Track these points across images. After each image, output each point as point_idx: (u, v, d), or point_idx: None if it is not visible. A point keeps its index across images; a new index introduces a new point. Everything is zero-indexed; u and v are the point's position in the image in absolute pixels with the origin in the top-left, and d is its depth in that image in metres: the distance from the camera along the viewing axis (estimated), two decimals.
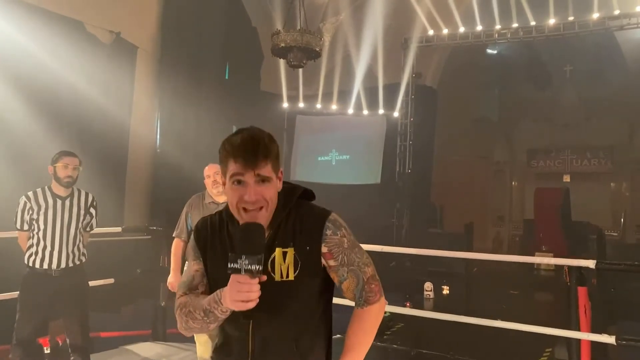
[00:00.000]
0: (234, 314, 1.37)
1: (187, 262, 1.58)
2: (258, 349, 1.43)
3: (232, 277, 1.30)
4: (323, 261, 1.47)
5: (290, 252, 1.43)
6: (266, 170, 1.39)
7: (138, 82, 8.90)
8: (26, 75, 6.76)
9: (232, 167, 1.39)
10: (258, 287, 1.30)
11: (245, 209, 1.39)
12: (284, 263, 1.42)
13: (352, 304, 1.53)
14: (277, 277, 1.42)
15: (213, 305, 1.37)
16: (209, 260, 1.49)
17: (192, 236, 1.58)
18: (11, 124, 6.49)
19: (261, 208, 1.40)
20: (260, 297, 1.31)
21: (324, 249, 1.46)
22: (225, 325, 1.46)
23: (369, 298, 1.50)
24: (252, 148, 1.38)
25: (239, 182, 1.39)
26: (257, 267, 1.28)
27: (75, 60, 7.35)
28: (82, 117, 7.56)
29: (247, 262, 1.28)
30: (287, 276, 1.42)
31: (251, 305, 1.30)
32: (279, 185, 1.47)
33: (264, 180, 1.39)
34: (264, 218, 1.41)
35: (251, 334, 1.43)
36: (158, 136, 9.67)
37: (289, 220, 1.47)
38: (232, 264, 1.29)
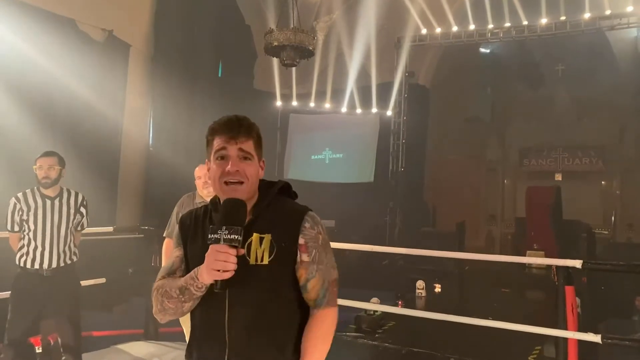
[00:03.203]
0: (211, 299, 1.42)
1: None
2: (235, 336, 1.44)
3: (211, 247, 1.36)
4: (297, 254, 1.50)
5: (267, 238, 1.46)
6: (248, 145, 1.50)
7: (130, 80, 8.88)
8: (17, 74, 6.73)
9: (216, 142, 1.49)
10: (235, 259, 1.35)
11: (226, 182, 1.46)
12: (260, 248, 1.45)
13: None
14: (252, 261, 1.45)
15: (189, 282, 1.42)
16: (190, 247, 1.54)
17: (177, 225, 1.63)
18: (1, 124, 6.45)
19: (241, 183, 1.47)
20: (234, 280, 1.37)
21: (301, 241, 1.49)
22: (201, 314, 1.49)
23: (330, 300, 1.52)
24: (236, 123, 1.51)
25: (222, 157, 1.48)
26: (236, 237, 1.34)
27: (67, 58, 7.31)
28: (74, 116, 7.54)
29: (226, 232, 1.34)
30: (262, 260, 1.45)
31: (227, 275, 1.35)
32: (260, 173, 1.54)
33: (246, 157, 1.49)
34: (244, 193, 1.47)
35: (227, 321, 1.44)
36: (151, 134, 9.65)
37: (269, 211, 1.52)
38: (212, 235, 1.36)
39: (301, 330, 1.52)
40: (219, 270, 1.34)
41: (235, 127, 1.50)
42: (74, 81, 7.38)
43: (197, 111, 9.85)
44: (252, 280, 1.44)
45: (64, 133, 7.24)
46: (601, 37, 11.28)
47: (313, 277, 1.50)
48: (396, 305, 6.81)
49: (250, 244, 1.46)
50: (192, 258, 1.52)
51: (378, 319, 5.92)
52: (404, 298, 7.35)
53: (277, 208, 1.53)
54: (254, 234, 1.47)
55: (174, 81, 9.33)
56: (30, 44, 6.79)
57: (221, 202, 1.51)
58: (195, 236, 1.54)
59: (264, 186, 1.58)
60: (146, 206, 9.12)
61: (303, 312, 1.54)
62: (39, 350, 4.53)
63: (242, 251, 1.39)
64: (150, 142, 9.61)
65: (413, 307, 7.42)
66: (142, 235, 5.25)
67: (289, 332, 1.49)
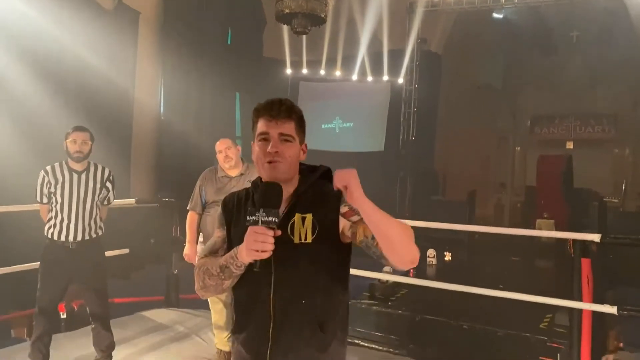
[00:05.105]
0: (257, 276, 1.47)
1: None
2: (279, 311, 1.50)
3: (250, 228, 1.42)
4: (342, 224, 1.52)
5: (309, 217, 1.52)
6: (288, 128, 1.54)
7: (141, 48, 8.80)
8: (28, 44, 6.66)
9: (259, 125, 1.55)
10: (272, 240, 1.40)
11: (268, 162, 1.51)
12: (303, 227, 1.51)
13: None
14: (296, 240, 1.51)
15: (229, 261, 1.49)
16: (233, 228, 1.61)
17: (220, 207, 1.71)
18: (17, 96, 6.46)
19: (280, 162, 1.52)
20: (280, 258, 1.45)
21: (343, 209, 1.52)
22: (247, 291, 1.55)
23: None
24: (277, 104, 1.55)
25: (265, 139, 1.54)
26: (273, 219, 1.40)
27: (77, 27, 7.23)
28: (86, 86, 7.51)
29: (264, 214, 1.40)
30: (305, 239, 1.51)
31: (265, 255, 1.40)
32: (302, 156, 1.60)
33: (286, 139, 1.53)
34: (282, 172, 1.52)
35: (273, 298, 1.50)
36: (162, 103, 9.64)
37: (309, 193, 1.57)
38: (250, 217, 1.41)
39: (342, 308, 1.59)
40: (257, 251, 1.40)
41: (275, 108, 1.54)
42: (84, 51, 7.31)
43: (207, 78, 9.80)
44: (297, 259, 1.51)
45: (78, 104, 7.21)
46: (618, 3, 10.98)
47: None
48: (407, 273, 6.93)
49: (293, 224, 1.52)
50: (234, 238, 1.59)
51: (391, 286, 6.05)
52: (414, 266, 7.45)
53: (317, 190, 1.58)
54: (296, 215, 1.53)
55: (183, 49, 9.26)
56: (40, 13, 6.69)
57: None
58: (238, 217, 1.60)
59: (306, 170, 1.63)
60: (160, 174, 9.17)
61: (345, 292, 1.60)
62: (63, 315, 4.70)
63: (279, 232, 1.43)
64: (162, 110, 9.60)
65: (424, 275, 7.56)
66: (160, 206, 5.32)
67: (330, 309, 1.55)
